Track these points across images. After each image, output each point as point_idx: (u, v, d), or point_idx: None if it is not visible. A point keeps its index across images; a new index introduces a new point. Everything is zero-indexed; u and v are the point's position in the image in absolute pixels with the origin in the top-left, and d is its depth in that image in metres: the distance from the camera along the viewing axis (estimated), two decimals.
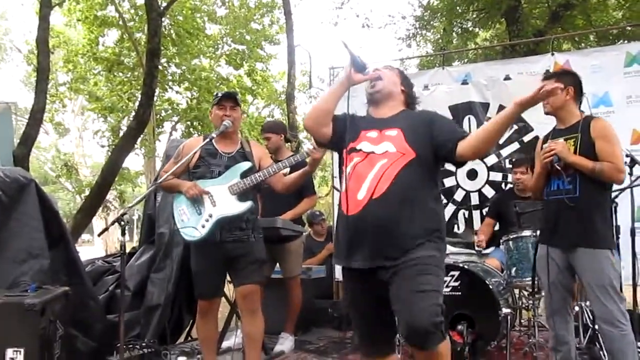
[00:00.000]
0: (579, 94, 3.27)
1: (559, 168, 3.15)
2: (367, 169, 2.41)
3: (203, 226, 3.42)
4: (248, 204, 3.47)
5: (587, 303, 4.02)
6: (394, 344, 2.63)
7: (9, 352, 2.86)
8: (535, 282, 3.68)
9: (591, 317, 3.88)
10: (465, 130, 2.46)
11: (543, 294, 4.18)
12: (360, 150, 2.48)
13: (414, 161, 2.39)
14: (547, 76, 3.35)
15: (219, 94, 3.68)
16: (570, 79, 3.26)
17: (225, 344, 4.31)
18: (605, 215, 3.13)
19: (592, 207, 3.09)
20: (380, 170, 2.38)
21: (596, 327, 3.81)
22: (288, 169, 3.70)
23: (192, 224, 3.44)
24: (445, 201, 5.55)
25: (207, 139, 3.52)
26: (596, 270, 3.04)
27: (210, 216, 3.42)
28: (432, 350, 2.24)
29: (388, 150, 2.42)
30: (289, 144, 5.50)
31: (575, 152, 3.13)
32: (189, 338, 4.97)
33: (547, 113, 3.33)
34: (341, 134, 2.53)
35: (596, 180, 3.08)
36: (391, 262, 2.31)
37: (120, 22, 15.09)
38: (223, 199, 3.46)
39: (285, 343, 4.59)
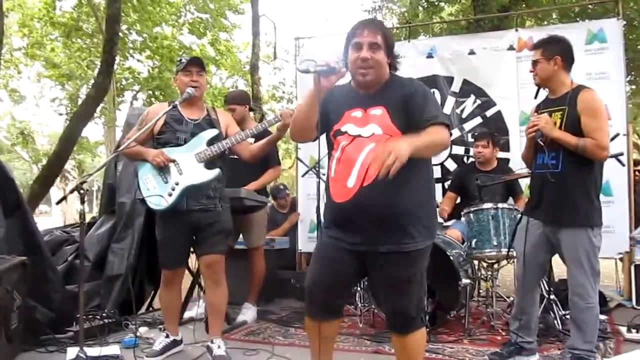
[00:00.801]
0: (568, 62, 3.18)
1: (542, 144, 3.14)
2: (355, 154, 2.32)
3: (170, 194, 3.36)
4: (216, 172, 3.43)
5: None
6: (342, 310, 2.58)
7: None
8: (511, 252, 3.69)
9: (547, 287, 4.00)
10: (433, 114, 2.29)
11: (504, 265, 4.31)
12: (346, 132, 2.37)
13: None
14: (534, 45, 3.28)
15: (184, 59, 3.58)
16: (557, 48, 3.17)
17: (187, 314, 4.31)
18: (588, 192, 3.09)
19: (575, 183, 3.07)
20: (368, 156, 2.27)
21: (552, 297, 3.95)
22: (253, 140, 3.66)
23: (158, 192, 3.38)
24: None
25: (172, 105, 3.45)
26: (573, 246, 3.07)
27: (177, 184, 3.37)
28: (410, 334, 2.36)
29: (374, 132, 2.32)
30: (252, 113, 5.44)
31: (561, 126, 3.09)
32: (151, 308, 4.95)
33: (537, 84, 3.27)
34: (325, 122, 2.42)
35: (581, 156, 3.03)
36: (385, 247, 2.29)
37: None
38: (190, 166, 3.40)
39: (248, 313, 4.61)
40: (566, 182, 3.07)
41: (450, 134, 2.55)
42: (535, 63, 3.21)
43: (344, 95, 2.46)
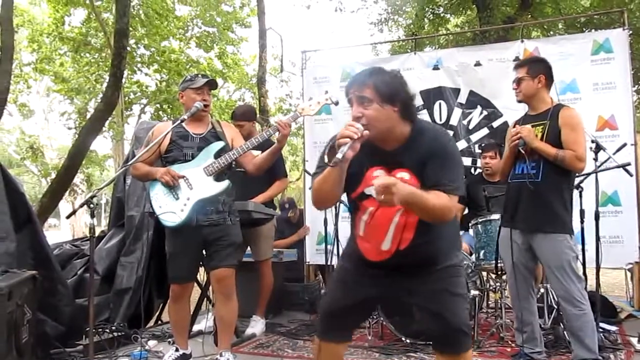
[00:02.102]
0: (550, 81, 3.33)
1: (523, 152, 3.25)
2: (387, 220, 2.21)
3: (182, 210, 3.39)
4: (225, 183, 3.46)
5: (550, 285, 4.12)
6: (351, 334, 2.54)
7: None
8: (499, 264, 3.76)
9: (556, 298, 3.98)
10: (447, 183, 2.09)
11: (503, 275, 4.30)
12: (371, 195, 2.16)
13: None
14: (518, 64, 3.42)
15: (200, 78, 3.58)
16: (541, 67, 3.31)
17: (196, 327, 4.31)
18: (565, 201, 3.22)
19: (553, 192, 3.19)
20: (401, 221, 2.19)
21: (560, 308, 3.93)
22: (260, 152, 3.68)
23: (170, 209, 3.39)
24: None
25: (179, 121, 3.48)
26: (555, 253, 3.16)
27: (188, 199, 3.40)
28: (465, 353, 2.22)
29: None
30: (259, 126, 5.48)
31: (542, 139, 3.21)
32: (160, 322, 4.95)
33: (519, 101, 3.40)
34: (347, 182, 2.21)
35: (559, 167, 3.16)
36: (413, 279, 2.25)
37: (87, 1, 14.71)
38: (199, 181, 3.43)
39: (257, 326, 4.61)
40: (545, 191, 3.19)
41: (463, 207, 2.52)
42: (519, 81, 3.33)
43: (363, 151, 2.11)
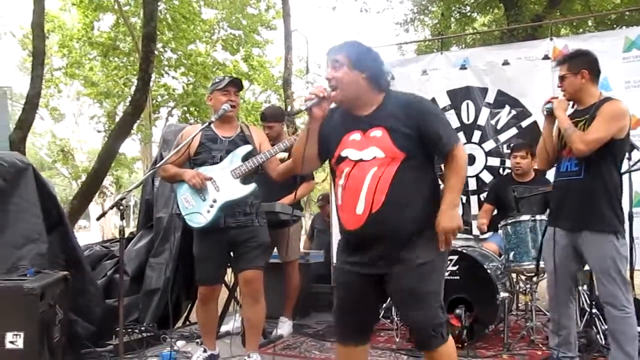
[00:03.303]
0: (595, 74, 3.19)
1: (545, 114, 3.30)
2: (360, 181, 2.31)
3: (208, 212, 3.41)
4: (252, 187, 3.48)
5: (585, 287, 4.05)
6: (370, 335, 2.59)
7: (9, 336, 2.86)
8: (540, 265, 3.67)
9: (588, 301, 3.90)
10: (448, 137, 2.34)
11: (543, 277, 4.22)
12: (347, 157, 2.36)
13: (405, 164, 2.30)
14: (559, 61, 3.29)
15: (225, 79, 3.62)
16: (583, 62, 3.18)
17: (223, 328, 4.33)
18: (611, 198, 3.07)
19: (597, 189, 3.06)
20: (373, 181, 2.29)
21: (594, 311, 3.85)
22: (286, 154, 3.69)
23: (197, 210, 3.42)
24: (442, 186, 5.55)
25: (207, 123, 3.50)
26: (600, 254, 3.04)
27: (215, 201, 3.42)
28: (434, 351, 2.34)
29: (376, 155, 2.30)
30: (285, 127, 5.49)
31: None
32: (188, 322, 4.99)
33: (568, 100, 3.27)
34: (326, 147, 2.46)
35: (604, 163, 3.04)
36: (397, 267, 2.31)
37: (116, 7, 14.96)
38: (226, 183, 3.45)
39: (284, 327, 4.61)
40: (589, 188, 3.07)
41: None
42: (562, 78, 3.23)
43: (341, 119, 2.45)
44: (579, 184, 3.09)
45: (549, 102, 3.30)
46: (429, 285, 2.32)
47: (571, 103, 3.29)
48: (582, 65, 3.16)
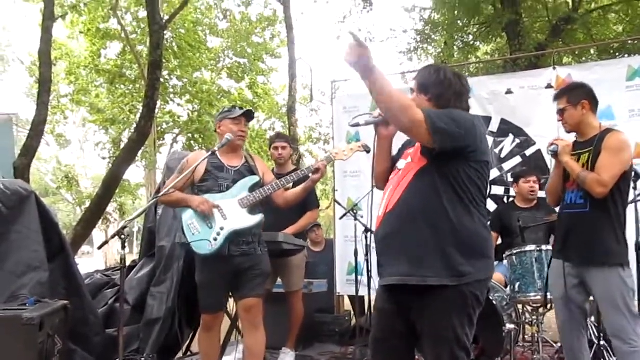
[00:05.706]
0: (594, 104, 3.19)
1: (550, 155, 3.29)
2: (389, 184, 2.44)
3: (215, 239, 3.41)
4: (259, 217, 3.51)
5: (592, 319, 3.98)
6: None
7: None
8: (548, 297, 3.62)
9: (596, 333, 3.84)
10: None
11: (550, 309, 4.16)
12: (396, 167, 2.50)
13: (425, 168, 2.28)
14: (557, 95, 3.29)
15: (237, 109, 3.67)
16: (581, 93, 3.19)
17: (225, 359, 4.27)
18: (616, 231, 3.05)
19: (604, 222, 3.03)
20: (395, 183, 2.37)
21: (602, 342, 3.78)
22: (292, 184, 3.69)
23: (204, 237, 3.42)
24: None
25: (211, 152, 3.51)
26: (606, 287, 3.00)
27: (222, 229, 3.42)
28: None
29: (406, 162, 2.42)
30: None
31: (587, 166, 3.07)
32: (189, 353, 4.92)
33: (568, 132, 3.28)
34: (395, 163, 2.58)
35: (610, 195, 3.01)
36: (413, 280, 2.22)
37: (123, 35, 15.15)
38: (233, 212, 3.46)
39: (287, 358, 4.55)
40: (594, 221, 3.05)
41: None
42: (562, 112, 3.22)
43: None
44: (586, 217, 3.07)
45: (553, 144, 3.28)
46: (448, 325, 2.25)
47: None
48: (582, 96, 3.17)
